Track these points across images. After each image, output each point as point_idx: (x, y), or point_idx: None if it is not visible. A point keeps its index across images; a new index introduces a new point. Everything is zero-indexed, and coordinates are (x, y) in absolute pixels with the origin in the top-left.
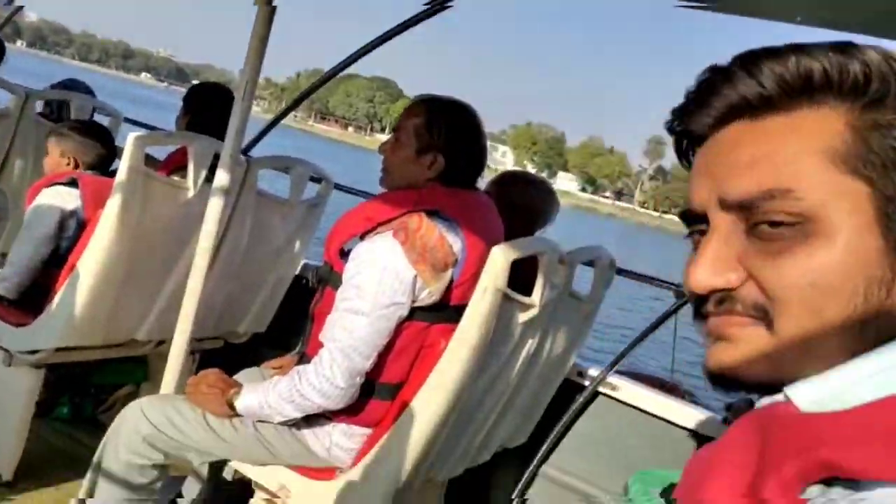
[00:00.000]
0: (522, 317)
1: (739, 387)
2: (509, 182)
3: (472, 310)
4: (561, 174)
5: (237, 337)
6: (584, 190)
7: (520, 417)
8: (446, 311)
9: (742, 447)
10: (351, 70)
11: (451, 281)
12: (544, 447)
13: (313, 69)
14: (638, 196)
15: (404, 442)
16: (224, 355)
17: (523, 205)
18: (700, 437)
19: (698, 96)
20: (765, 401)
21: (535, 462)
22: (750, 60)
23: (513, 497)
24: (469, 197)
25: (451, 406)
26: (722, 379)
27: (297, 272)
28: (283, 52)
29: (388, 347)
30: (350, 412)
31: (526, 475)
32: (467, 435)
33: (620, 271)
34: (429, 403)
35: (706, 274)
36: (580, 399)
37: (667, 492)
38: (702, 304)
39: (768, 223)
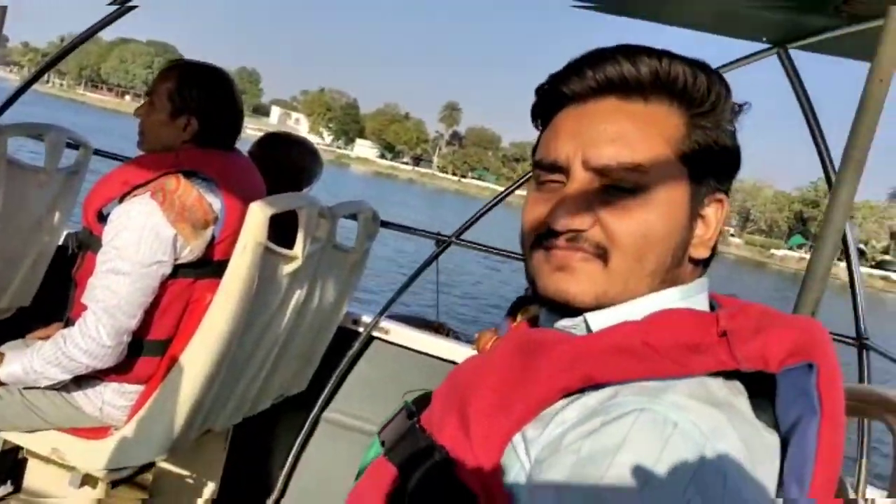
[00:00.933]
0: (286, 269)
1: (567, 310)
2: (273, 144)
3: (234, 264)
4: (359, 141)
5: (1, 313)
6: (382, 156)
7: (296, 366)
8: (210, 266)
9: (508, 365)
10: (126, 34)
11: (213, 238)
12: (325, 393)
13: (75, 33)
14: (437, 161)
15: (175, 396)
16: None
17: (288, 165)
18: None
19: (580, 68)
20: (565, 322)
21: (316, 408)
22: (632, 50)
23: (297, 442)
24: (227, 158)
25: (220, 358)
26: (554, 303)
27: (59, 242)
28: (44, 13)
29: (154, 305)
30: (120, 371)
31: (308, 421)
32: (241, 385)
33: (384, 224)
34: (197, 357)
35: (567, 216)
36: (356, 344)
37: None
38: (545, 239)
39: (619, 186)
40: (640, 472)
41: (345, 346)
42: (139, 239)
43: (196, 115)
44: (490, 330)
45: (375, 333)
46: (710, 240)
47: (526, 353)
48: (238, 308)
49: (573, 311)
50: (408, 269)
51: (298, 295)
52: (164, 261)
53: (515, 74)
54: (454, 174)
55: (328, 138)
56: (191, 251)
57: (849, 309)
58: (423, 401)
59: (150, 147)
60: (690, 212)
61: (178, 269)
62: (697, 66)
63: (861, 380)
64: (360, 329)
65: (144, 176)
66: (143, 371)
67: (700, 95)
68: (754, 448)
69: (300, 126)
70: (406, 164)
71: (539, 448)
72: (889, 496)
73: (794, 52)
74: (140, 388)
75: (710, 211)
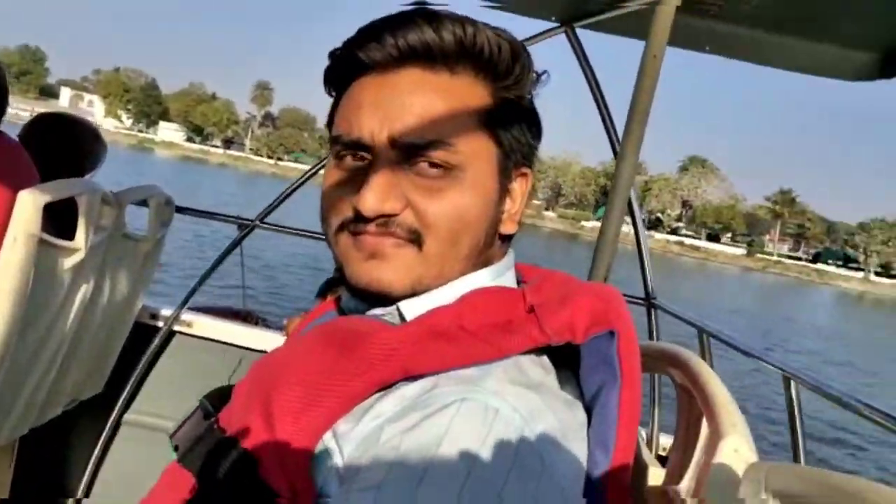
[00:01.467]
0: (68, 262)
1: (382, 299)
2: (48, 126)
3: (2, 259)
4: (163, 124)
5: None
6: (190, 140)
7: (90, 367)
8: None
9: (318, 356)
10: None
11: None
12: (124, 394)
13: None
14: (249, 143)
15: None
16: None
17: (66, 148)
18: None
19: (380, 34)
20: (377, 311)
21: (115, 411)
22: (435, 16)
23: (97, 449)
24: None
25: None
26: (367, 293)
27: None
28: None
29: None
30: None
31: (108, 425)
32: (24, 392)
33: (180, 209)
34: None
35: (376, 201)
36: (155, 340)
37: None
38: (353, 224)
39: (429, 165)
40: (464, 460)
41: (144, 342)
42: None
43: None
44: (299, 315)
45: (177, 327)
46: (516, 214)
47: (338, 343)
48: (11, 308)
49: (386, 299)
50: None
51: (85, 290)
52: None
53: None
54: (269, 157)
55: (127, 121)
56: None
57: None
58: (222, 397)
59: None
60: (500, 187)
61: None
62: (501, 35)
63: (650, 337)
64: (160, 323)
65: None
66: None
67: (505, 67)
68: (568, 425)
69: (94, 109)
70: (216, 147)
71: (353, 444)
72: (674, 442)
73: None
74: None
75: (517, 185)
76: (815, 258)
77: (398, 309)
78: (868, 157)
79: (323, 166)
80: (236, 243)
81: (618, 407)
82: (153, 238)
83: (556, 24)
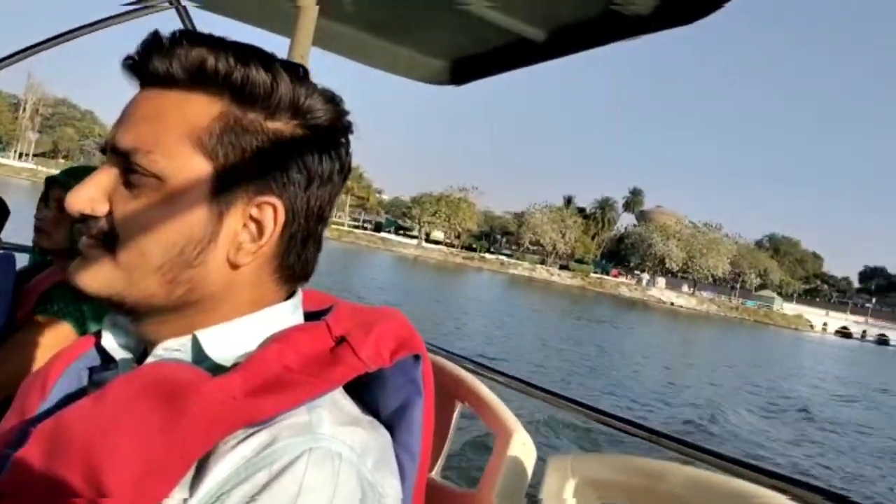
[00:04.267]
0: None
1: (84, 296)
2: None
3: None
4: None
5: None
6: None
7: None
8: None
9: (143, 416)
10: None
11: None
12: None
13: None
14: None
15: None
16: None
17: None
18: None
19: (131, 58)
20: (171, 343)
21: None
22: (174, 42)
23: None
24: None
25: None
26: (78, 290)
27: None
28: None
29: None
30: None
31: None
32: None
33: None
34: None
35: (79, 200)
36: None
37: None
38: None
39: (133, 172)
40: None
41: None
42: None
43: None
44: None
45: None
46: (260, 247)
47: (165, 399)
48: None
49: (126, 310)
50: None
51: None
52: None
53: None
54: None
55: None
56: None
57: None
58: None
59: None
60: (212, 208)
61: None
62: (243, 56)
63: None
64: None
65: None
66: None
67: (245, 88)
68: (384, 446)
69: None
70: None
71: None
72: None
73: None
74: None
75: (259, 215)
76: (377, 227)
77: (196, 341)
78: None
79: None
80: None
81: (422, 419)
82: None
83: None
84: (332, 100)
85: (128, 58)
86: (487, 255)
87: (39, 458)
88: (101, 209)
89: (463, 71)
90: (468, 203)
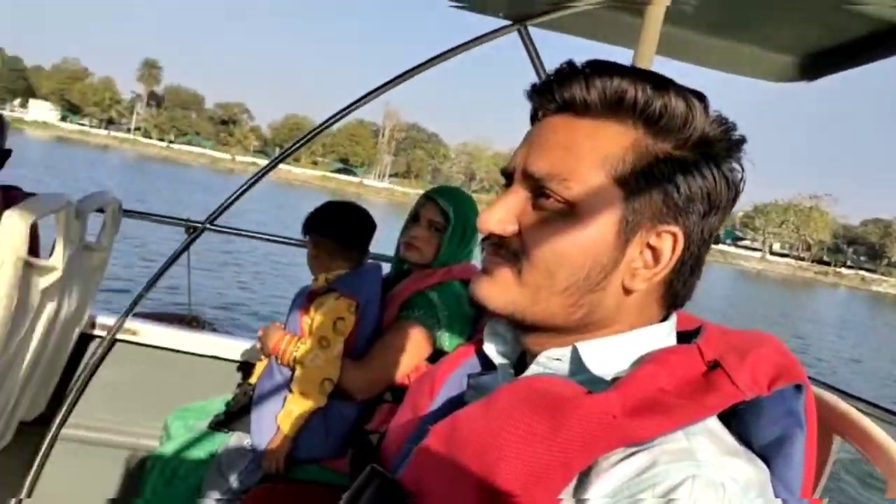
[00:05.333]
0: (43, 282)
1: (487, 312)
2: None
3: None
4: (34, 102)
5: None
6: (64, 119)
7: (38, 386)
8: None
9: (527, 427)
10: None
11: None
12: (63, 409)
13: None
14: (135, 124)
15: None
16: None
17: None
18: (230, 363)
19: (547, 85)
20: (552, 353)
21: (54, 427)
22: (594, 70)
23: (31, 470)
24: None
25: None
26: (479, 304)
27: None
28: None
29: None
30: None
31: (46, 443)
32: None
33: (127, 212)
34: None
35: (488, 220)
36: (98, 351)
37: (208, 422)
38: (483, 241)
39: (546, 197)
40: None
41: (85, 353)
42: None
43: None
44: (276, 325)
45: (121, 336)
46: (654, 274)
47: (548, 412)
48: None
49: (523, 325)
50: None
51: (51, 308)
52: None
53: (219, 30)
54: (161, 139)
55: None
56: None
57: None
58: (368, 450)
59: None
60: (620, 235)
61: None
62: (655, 84)
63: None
64: (103, 333)
65: None
66: None
67: (651, 117)
68: (764, 481)
69: None
70: (96, 128)
71: None
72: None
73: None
74: None
75: (658, 242)
76: (715, 240)
77: (575, 350)
78: None
79: (273, 168)
80: (185, 248)
81: (803, 454)
82: (108, 246)
83: (507, 23)
84: (728, 126)
85: (542, 84)
86: (844, 270)
87: (439, 454)
88: (510, 230)
89: (814, 66)
90: (820, 212)
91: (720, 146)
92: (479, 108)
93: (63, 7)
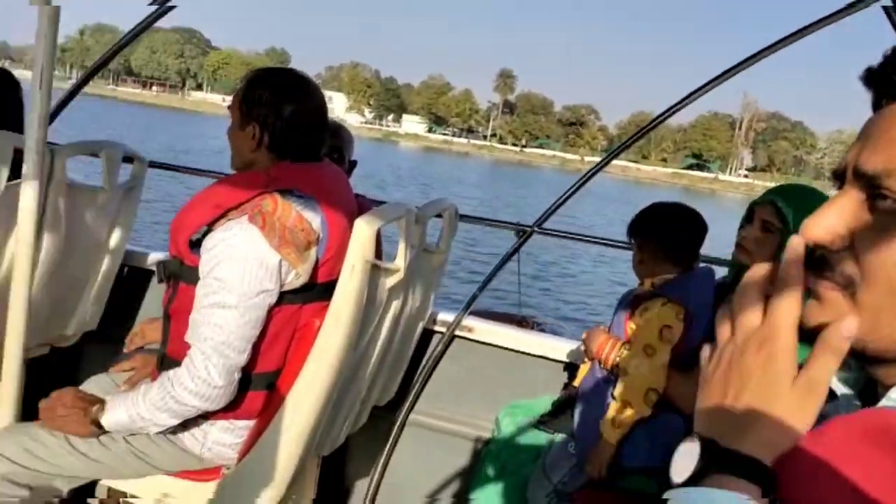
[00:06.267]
0: (389, 282)
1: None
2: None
3: (343, 287)
4: (406, 117)
5: (66, 340)
6: (431, 130)
7: (387, 375)
8: (315, 289)
9: (864, 463)
10: None
11: (317, 259)
12: (410, 396)
13: (96, 24)
14: (490, 131)
15: (288, 429)
16: (50, 359)
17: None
18: (556, 364)
19: (886, 68)
20: (894, 395)
21: (402, 412)
22: None
23: (385, 449)
24: (320, 171)
25: (332, 386)
26: (812, 335)
27: (120, 262)
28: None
29: (262, 336)
30: (228, 408)
31: (396, 427)
32: (346, 407)
33: (462, 217)
34: (310, 387)
35: (818, 228)
36: (439, 345)
37: (535, 420)
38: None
39: (882, 198)
40: None
41: (428, 347)
42: (243, 268)
43: (259, 122)
44: (600, 329)
45: (458, 332)
46: None
47: (887, 450)
48: (348, 332)
49: (864, 357)
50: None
51: (395, 306)
52: (271, 289)
53: (563, 30)
54: (514, 144)
55: (369, 115)
56: (297, 276)
57: None
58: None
59: (235, 163)
60: None
61: (284, 296)
62: None
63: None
64: (443, 329)
65: (237, 197)
66: (251, 406)
67: None
68: None
69: (334, 104)
70: (457, 136)
71: None
72: None
73: None
74: (249, 423)
75: None
76: None
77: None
78: None
79: (601, 169)
80: (515, 250)
81: None
82: (446, 249)
83: None
84: None
85: (882, 66)
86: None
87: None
88: (840, 241)
89: None
90: None
91: None
92: (853, 90)
93: (424, 29)
